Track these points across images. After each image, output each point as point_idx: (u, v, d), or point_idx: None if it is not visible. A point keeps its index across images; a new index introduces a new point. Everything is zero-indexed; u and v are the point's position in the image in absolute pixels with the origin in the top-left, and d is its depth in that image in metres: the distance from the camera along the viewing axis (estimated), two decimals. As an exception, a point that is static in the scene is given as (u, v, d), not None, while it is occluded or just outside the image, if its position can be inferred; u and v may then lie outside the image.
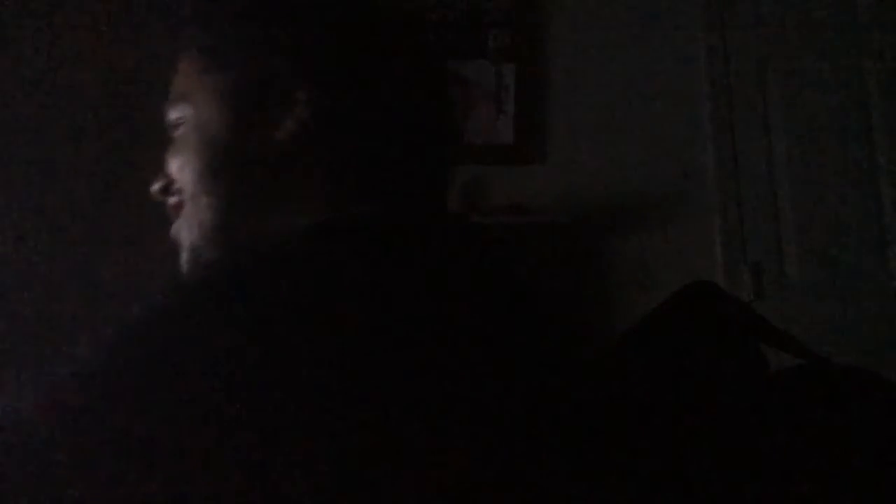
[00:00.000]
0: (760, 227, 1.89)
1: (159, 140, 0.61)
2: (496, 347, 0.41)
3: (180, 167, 0.57)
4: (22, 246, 1.91)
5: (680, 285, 0.50)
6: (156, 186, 0.60)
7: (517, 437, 0.38)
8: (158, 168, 0.61)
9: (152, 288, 0.42)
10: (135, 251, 1.91)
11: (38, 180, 1.95)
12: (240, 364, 0.36)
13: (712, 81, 1.95)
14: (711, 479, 0.42)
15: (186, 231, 0.58)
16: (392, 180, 0.57)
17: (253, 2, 0.60)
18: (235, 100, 0.57)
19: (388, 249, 0.43)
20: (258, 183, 0.56)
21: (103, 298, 1.91)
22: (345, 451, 0.34)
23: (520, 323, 0.45)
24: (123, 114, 1.97)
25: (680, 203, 1.90)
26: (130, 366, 0.38)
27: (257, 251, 0.46)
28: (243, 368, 0.36)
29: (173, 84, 0.60)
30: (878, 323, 1.76)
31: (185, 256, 0.58)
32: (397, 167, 0.57)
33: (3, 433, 0.36)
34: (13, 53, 1.96)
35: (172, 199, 0.59)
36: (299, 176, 0.56)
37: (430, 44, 0.64)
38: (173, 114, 0.59)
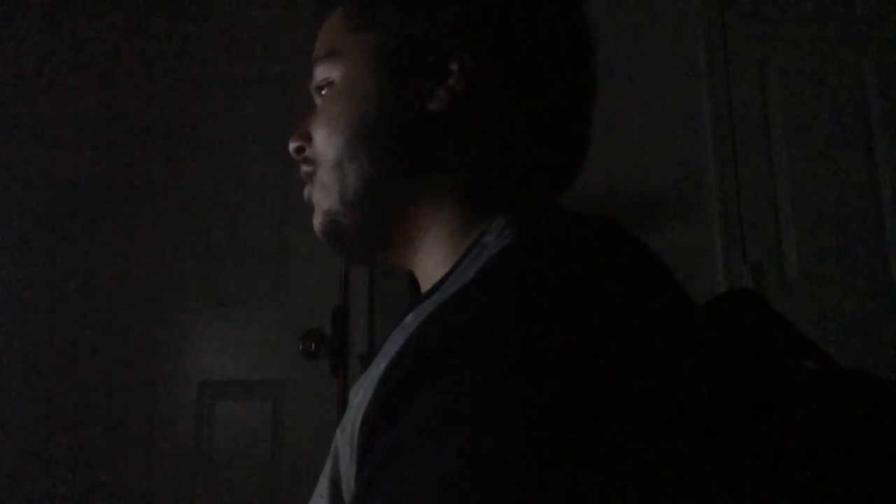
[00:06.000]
0: (760, 227, 1.89)
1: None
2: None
3: (326, 135, 0.54)
4: (23, 246, 1.91)
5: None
6: (294, 145, 0.57)
7: None
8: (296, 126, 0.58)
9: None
10: (132, 250, 1.90)
11: (39, 180, 1.95)
12: None
13: (712, 81, 1.95)
14: None
15: (323, 197, 0.55)
16: (544, 153, 0.56)
17: None
18: (390, 63, 0.53)
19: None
20: (406, 152, 0.53)
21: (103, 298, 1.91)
22: None
23: None
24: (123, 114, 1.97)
25: (680, 203, 1.90)
26: None
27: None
28: None
29: (320, 40, 0.57)
30: (878, 322, 1.76)
31: (320, 219, 0.56)
32: (550, 138, 0.56)
33: None
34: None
35: (306, 168, 0.57)
36: (448, 147, 0.53)
37: (585, 13, 0.61)
38: (320, 73, 0.56)
